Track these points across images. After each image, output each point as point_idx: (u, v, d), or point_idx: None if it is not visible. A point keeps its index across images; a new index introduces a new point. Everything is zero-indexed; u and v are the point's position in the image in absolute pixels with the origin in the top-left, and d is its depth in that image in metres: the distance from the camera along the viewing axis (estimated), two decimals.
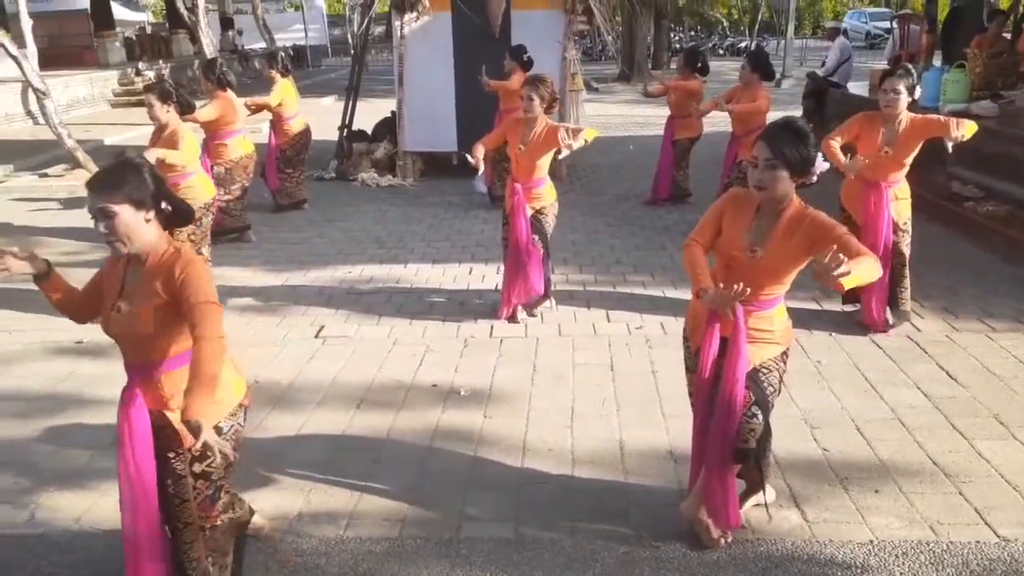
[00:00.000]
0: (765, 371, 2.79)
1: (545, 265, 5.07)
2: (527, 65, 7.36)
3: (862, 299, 4.75)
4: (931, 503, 3.12)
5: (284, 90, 7.69)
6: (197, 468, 2.42)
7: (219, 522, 2.54)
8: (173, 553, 2.51)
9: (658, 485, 3.29)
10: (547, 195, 4.95)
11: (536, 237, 4.93)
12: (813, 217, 2.63)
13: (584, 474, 3.39)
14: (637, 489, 3.27)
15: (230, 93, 6.62)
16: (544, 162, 4.85)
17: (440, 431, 3.76)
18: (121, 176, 2.25)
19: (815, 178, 2.67)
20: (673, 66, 27.85)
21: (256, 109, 7.59)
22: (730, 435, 2.77)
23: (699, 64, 7.83)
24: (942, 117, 4.59)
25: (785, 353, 2.85)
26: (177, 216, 2.41)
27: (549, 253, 5.10)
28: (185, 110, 5.37)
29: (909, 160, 4.54)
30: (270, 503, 3.21)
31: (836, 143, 4.59)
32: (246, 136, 6.85)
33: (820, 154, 2.67)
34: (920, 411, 3.82)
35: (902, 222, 4.66)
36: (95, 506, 3.22)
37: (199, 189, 5.27)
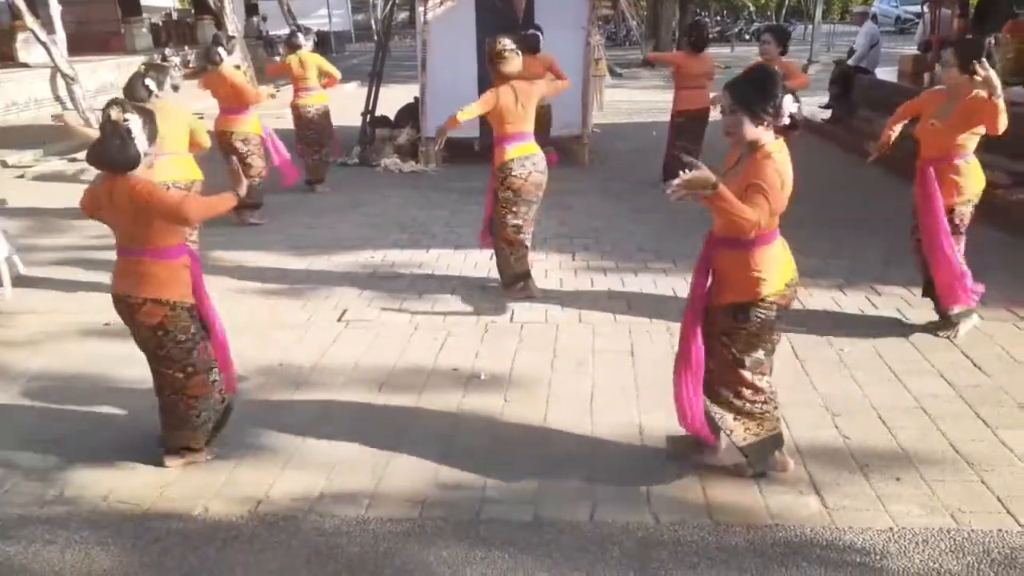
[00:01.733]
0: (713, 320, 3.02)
1: (498, 247, 5.15)
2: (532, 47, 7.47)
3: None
4: (953, 491, 3.10)
5: (287, 66, 7.98)
6: None
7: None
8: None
9: (677, 469, 3.30)
10: (508, 154, 4.93)
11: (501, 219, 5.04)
12: (763, 160, 2.75)
13: (604, 458, 3.40)
14: (656, 473, 3.28)
15: (220, 70, 6.87)
16: (493, 120, 4.94)
17: (461, 415, 3.80)
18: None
19: (787, 120, 2.78)
20: None
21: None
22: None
23: (692, 38, 8.03)
24: (1000, 104, 4.05)
25: (741, 308, 2.91)
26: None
27: (503, 237, 5.08)
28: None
29: (961, 139, 4.23)
30: (293, 483, 3.27)
31: (896, 119, 4.57)
32: (239, 116, 6.91)
33: (788, 96, 2.76)
34: (943, 399, 3.79)
35: (947, 207, 4.32)
36: (123, 483, 3.29)
37: (170, 169, 5.11)
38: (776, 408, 3.15)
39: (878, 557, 2.77)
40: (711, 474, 3.25)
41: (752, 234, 2.76)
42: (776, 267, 2.91)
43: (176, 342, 3.20)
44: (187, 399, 3.29)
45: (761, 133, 2.77)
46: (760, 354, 3.01)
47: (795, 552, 2.80)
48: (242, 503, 3.15)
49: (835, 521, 2.95)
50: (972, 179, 4.35)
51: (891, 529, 2.90)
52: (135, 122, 3.07)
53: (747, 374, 3.02)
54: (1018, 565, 2.71)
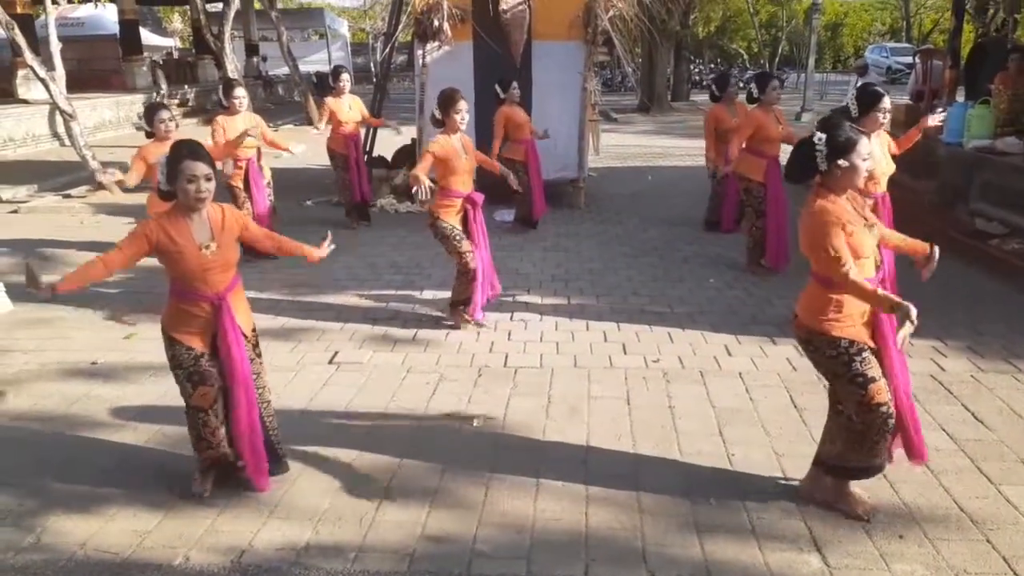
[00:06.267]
0: None
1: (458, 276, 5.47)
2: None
3: None
4: (957, 550, 3.01)
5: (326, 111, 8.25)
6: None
7: None
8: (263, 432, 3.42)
9: (674, 524, 3.21)
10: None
11: None
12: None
13: (599, 511, 3.31)
14: (653, 528, 3.18)
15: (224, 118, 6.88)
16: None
17: (452, 463, 3.70)
18: None
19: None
20: (693, 98, 28.01)
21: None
22: None
23: (711, 91, 8.09)
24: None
25: (809, 342, 3.17)
26: None
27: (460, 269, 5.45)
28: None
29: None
30: (277, 532, 3.16)
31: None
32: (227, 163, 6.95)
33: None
34: (945, 454, 3.71)
35: None
36: (102, 530, 3.18)
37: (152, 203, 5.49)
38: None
39: None
40: (709, 529, 3.16)
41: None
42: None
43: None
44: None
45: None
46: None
47: None
48: (224, 553, 3.04)
49: None
50: None
51: None
52: None
53: None
54: None
